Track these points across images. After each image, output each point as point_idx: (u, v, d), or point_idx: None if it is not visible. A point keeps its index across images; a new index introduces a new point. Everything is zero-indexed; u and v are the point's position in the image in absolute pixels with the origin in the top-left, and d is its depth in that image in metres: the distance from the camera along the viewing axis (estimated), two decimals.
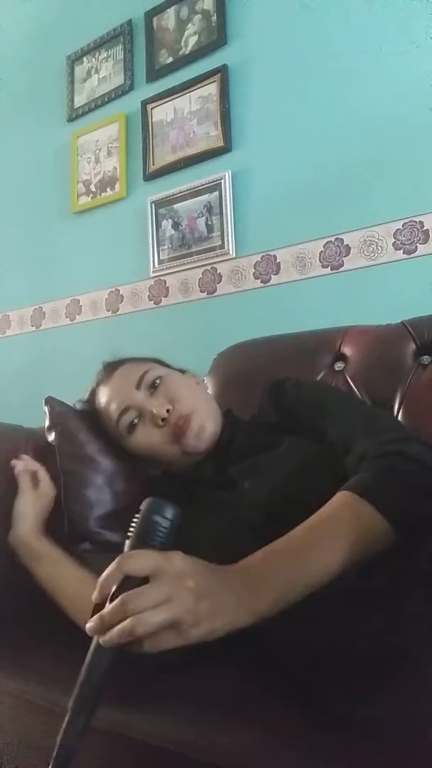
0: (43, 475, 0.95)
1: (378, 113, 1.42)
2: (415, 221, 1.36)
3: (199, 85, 1.72)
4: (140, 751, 0.57)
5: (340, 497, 0.65)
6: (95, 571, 0.61)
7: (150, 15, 1.86)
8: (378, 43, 1.43)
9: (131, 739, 0.57)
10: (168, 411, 0.87)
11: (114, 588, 0.52)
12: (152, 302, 1.78)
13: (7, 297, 2.18)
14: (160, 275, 1.77)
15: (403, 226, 1.37)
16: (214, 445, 0.91)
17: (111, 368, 0.98)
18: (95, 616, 0.52)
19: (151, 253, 1.78)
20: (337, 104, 1.49)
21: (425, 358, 1.04)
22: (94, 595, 0.53)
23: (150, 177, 1.82)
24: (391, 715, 0.53)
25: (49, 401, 1.01)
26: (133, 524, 0.56)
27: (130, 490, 0.94)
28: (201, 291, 1.69)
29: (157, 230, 1.78)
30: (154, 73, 1.84)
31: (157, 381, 0.91)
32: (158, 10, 1.85)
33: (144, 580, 0.52)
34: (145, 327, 1.79)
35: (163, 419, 0.87)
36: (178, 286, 1.73)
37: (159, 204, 1.78)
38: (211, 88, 1.69)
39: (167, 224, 1.76)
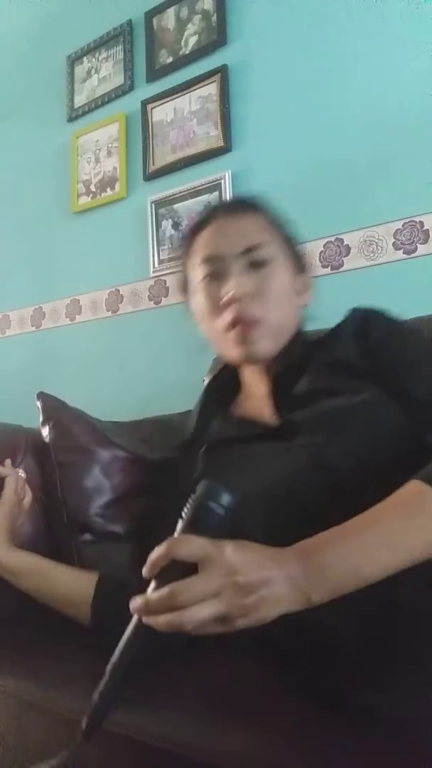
0: (9, 480, 0.85)
1: (378, 113, 1.42)
2: (415, 221, 1.36)
3: (199, 85, 1.72)
4: (140, 751, 0.57)
5: (413, 486, 0.59)
6: (96, 563, 0.60)
7: (150, 15, 1.86)
8: (378, 43, 1.43)
9: (131, 740, 0.57)
10: (245, 297, 0.77)
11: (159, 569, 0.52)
12: (152, 302, 1.78)
13: (7, 297, 2.18)
14: (160, 275, 1.77)
15: (403, 226, 1.37)
16: (274, 370, 0.81)
17: (237, 207, 0.85)
18: (140, 597, 0.52)
19: (151, 253, 1.78)
20: (337, 104, 1.49)
21: None
22: (145, 571, 0.53)
23: (150, 177, 1.82)
24: (393, 714, 0.53)
25: (41, 396, 1.01)
26: (187, 507, 0.54)
27: (128, 479, 0.94)
28: None
29: (157, 230, 1.77)
30: (154, 73, 1.84)
31: (264, 263, 0.80)
32: (158, 10, 1.85)
33: (192, 566, 0.51)
34: (145, 327, 1.79)
35: (231, 302, 0.77)
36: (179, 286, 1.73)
37: (159, 204, 1.78)
38: (211, 88, 1.69)
39: (167, 224, 1.76)
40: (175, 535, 0.53)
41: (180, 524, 0.54)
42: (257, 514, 0.65)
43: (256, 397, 0.84)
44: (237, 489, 0.54)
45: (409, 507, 0.57)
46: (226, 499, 0.53)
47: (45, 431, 0.98)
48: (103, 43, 1.98)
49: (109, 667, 0.52)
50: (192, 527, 0.53)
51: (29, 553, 0.81)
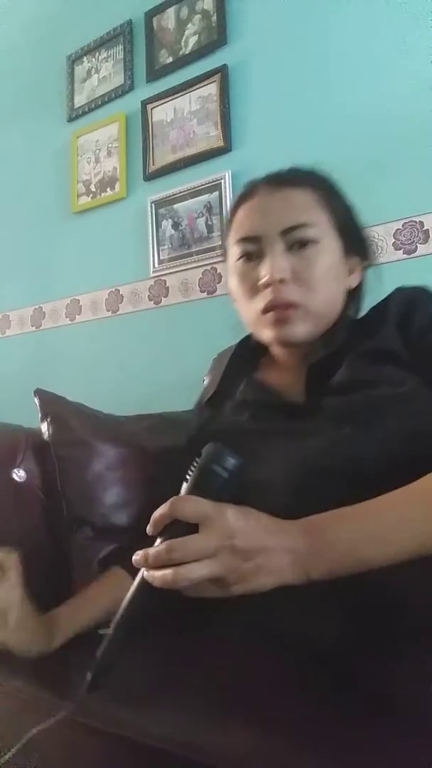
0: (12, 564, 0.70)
1: (378, 113, 1.42)
2: (415, 221, 1.36)
3: (199, 85, 1.72)
4: (140, 751, 0.57)
5: (430, 480, 0.57)
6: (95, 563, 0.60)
7: (150, 15, 1.86)
8: (378, 42, 1.43)
9: (131, 740, 0.57)
10: (282, 281, 0.73)
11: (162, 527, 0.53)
12: (152, 302, 1.78)
13: (7, 297, 2.18)
14: (160, 275, 1.77)
15: (403, 226, 1.37)
16: (312, 356, 0.76)
17: (284, 180, 0.79)
18: (141, 551, 0.53)
19: (151, 253, 1.78)
20: (337, 104, 1.49)
21: None
22: (149, 529, 0.54)
23: (150, 177, 1.82)
24: (395, 710, 0.53)
25: (39, 392, 1.01)
26: (192, 469, 0.55)
27: (130, 472, 0.93)
28: (201, 291, 1.69)
29: (157, 230, 1.77)
30: (154, 73, 1.84)
31: (309, 244, 0.74)
32: (158, 10, 1.85)
33: (195, 527, 0.51)
34: (145, 327, 1.79)
35: (268, 285, 0.73)
36: (178, 286, 1.73)
37: (159, 204, 1.78)
38: (211, 88, 1.69)
39: (167, 224, 1.76)
40: (180, 494, 0.54)
41: (184, 486, 0.54)
42: (274, 501, 0.63)
43: (286, 371, 0.80)
44: (257, 472, 0.55)
45: (422, 499, 0.56)
46: (230, 462, 0.54)
47: (44, 426, 0.97)
48: (103, 43, 1.98)
49: (113, 623, 0.53)
50: (196, 489, 0.53)
51: (60, 609, 0.75)
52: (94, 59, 2.02)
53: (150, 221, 1.78)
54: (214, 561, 0.50)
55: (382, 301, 0.78)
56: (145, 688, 0.65)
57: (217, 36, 1.70)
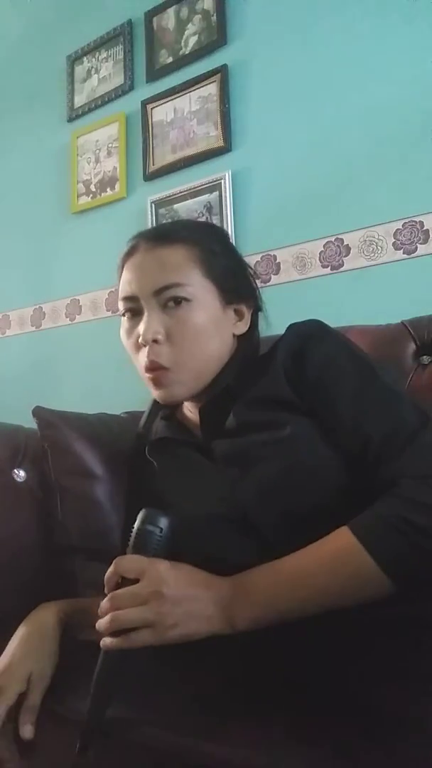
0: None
1: (378, 113, 1.42)
2: (415, 221, 1.36)
3: (199, 85, 1.72)
4: (140, 751, 0.57)
5: (344, 537, 0.60)
6: (99, 582, 0.64)
7: (150, 15, 1.86)
8: (378, 42, 1.43)
9: (131, 740, 0.57)
10: (156, 341, 0.74)
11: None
12: None
13: (7, 297, 2.18)
14: None
15: (403, 226, 1.37)
16: (202, 401, 0.79)
17: (157, 238, 0.78)
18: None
19: None
20: (337, 104, 1.49)
21: (425, 358, 1.04)
22: (105, 589, 0.62)
23: (150, 177, 1.82)
24: (392, 713, 0.53)
25: (37, 412, 0.98)
26: (132, 531, 0.63)
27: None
28: None
29: None
30: (154, 73, 1.84)
31: (183, 303, 0.74)
32: (158, 10, 1.85)
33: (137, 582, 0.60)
34: None
35: (142, 346, 0.75)
36: None
37: (159, 204, 1.78)
38: (211, 88, 1.69)
39: None
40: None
41: (127, 549, 0.63)
42: (197, 537, 0.70)
43: (195, 408, 0.82)
44: (180, 512, 0.64)
45: (336, 559, 0.60)
46: (163, 521, 0.62)
47: (43, 448, 0.96)
48: (103, 43, 1.98)
49: (91, 690, 0.59)
50: (135, 549, 0.62)
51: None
52: (94, 59, 2.02)
53: (150, 221, 1.78)
54: (146, 607, 0.57)
55: (276, 341, 0.78)
56: (145, 689, 0.65)
57: (217, 36, 1.70)
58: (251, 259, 1.58)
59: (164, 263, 0.75)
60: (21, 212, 2.17)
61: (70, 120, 2.06)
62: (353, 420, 0.68)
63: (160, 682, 0.66)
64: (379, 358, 1.08)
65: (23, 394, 1.58)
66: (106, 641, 0.58)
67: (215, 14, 1.71)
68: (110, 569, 0.61)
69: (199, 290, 0.75)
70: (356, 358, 0.73)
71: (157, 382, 0.76)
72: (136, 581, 0.59)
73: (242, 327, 0.81)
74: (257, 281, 0.85)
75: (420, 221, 1.36)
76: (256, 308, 0.84)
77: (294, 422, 0.70)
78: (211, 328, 0.76)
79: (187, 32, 1.78)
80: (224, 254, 0.80)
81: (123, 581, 0.60)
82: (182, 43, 1.79)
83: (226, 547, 0.68)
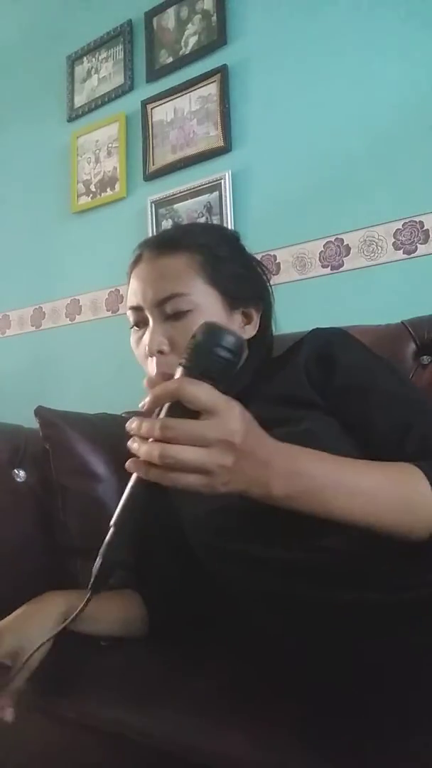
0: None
1: (378, 113, 1.42)
2: (415, 221, 1.36)
3: (199, 85, 1.72)
4: (140, 752, 0.57)
5: (410, 467, 0.59)
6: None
7: (150, 15, 1.86)
8: (378, 43, 1.43)
9: (131, 740, 0.57)
10: (162, 352, 0.73)
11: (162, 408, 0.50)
12: None
13: (7, 297, 2.18)
14: None
15: (403, 226, 1.37)
16: None
17: (160, 247, 0.78)
18: (136, 418, 0.49)
19: None
20: (337, 104, 1.49)
21: (425, 358, 1.04)
22: (143, 404, 0.50)
23: (150, 177, 1.82)
24: (391, 713, 0.53)
25: (39, 412, 0.98)
26: (188, 352, 0.51)
27: None
28: None
29: (158, 230, 1.77)
30: (154, 73, 1.84)
31: (186, 313, 0.73)
32: (158, 10, 1.85)
33: (194, 415, 0.48)
34: None
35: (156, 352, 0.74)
36: None
37: (159, 204, 1.78)
38: (211, 88, 1.69)
39: (167, 224, 1.76)
40: (176, 377, 0.50)
41: (180, 369, 0.51)
42: (200, 537, 0.67)
43: None
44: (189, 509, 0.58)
45: (400, 475, 0.58)
46: (229, 341, 0.50)
47: (45, 447, 0.96)
48: (103, 43, 1.98)
49: (111, 523, 0.52)
50: (200, 372, 0.49)
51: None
52: (94, 59, 2.02)
53: (150, 221, 1.78)
54: (208, 452, 0.47)
55: (296, 343, 0.77)
56: (145, 688, 0.65)
57: (217, 36, 1.70)
58: None
59: (165, 273, 0.75)
60: (21, 212, 2.17)
61: (70, 120, 2.06)
62: (390, 421, 0.67)
63: (161, 682, 0.66)
64: None
65: (23, 394, 1.58)
66: (153, 472, 0.48)
67: (215, 14, 1.71)
68: (168, 386, 0.48)
69: (202, 298, 0.74)
70: (383, 364, 0.75)
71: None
72: (194, 413, 0.48)
73: (251, 330, 0.80)
74: (270, 277, 0.84)
75: (420, 221, 1.36)
76: (267, 309, 0.83)
77: (310, 418, 0.69)
78: None
79: (187, 32, 1.78)
80: (231, 258, 0.80)
81: (175, 406, 0.48)
82: (182, 43, 1.79)
83: (237, 540, 0.66)
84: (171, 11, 1.82)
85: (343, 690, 0.57)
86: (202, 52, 1.73)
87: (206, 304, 0.74)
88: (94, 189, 1.96)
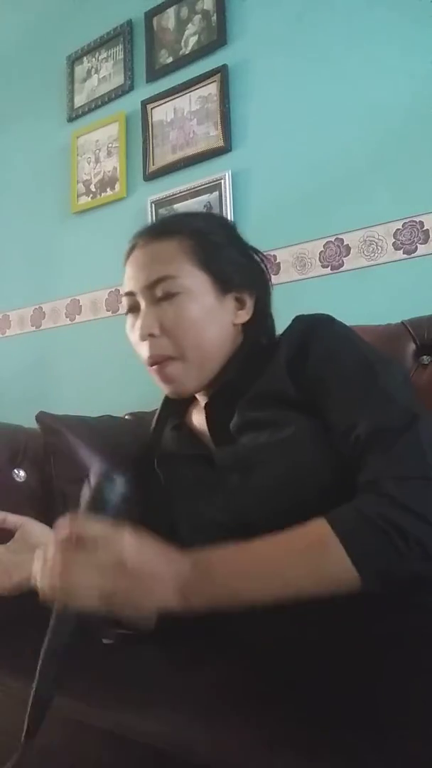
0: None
1: (378, 113, 1.42)
2: (415, 221, 1.36)
3: (199, 85, 1.72)
4: (139, 752, 0.57)
5: (320, 527, 0.58)
6: None
7: (150, 15, 1.86)
8: (378, 42, 1.43)
9: (130, 740, 0.57)
10: (153, 335, 0.75)
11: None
12: None
13: (7, 297, 2.18)
14: None
15: (403, 226, 1.37)
16: (210, 395, 0.79)
17: (151, 233, 0.79)
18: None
19: None
20: (337, 104, 1.49)
21: (425, 358, 1.04)
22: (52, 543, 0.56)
23: (150, 177, 1.82)
24: (389, 714, 0.53)
25: (41, 418, 0.99)
26: (86, 490, 0.58)
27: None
28: None
29: None
30: (154, 73, 1.84)
31: (175, 296, 0.74)
32: (158, 10, 1.85)
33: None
34: None
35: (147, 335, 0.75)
36: None
37: (159, 204, 1.78)
38: (211, 88, 1.69)
39: None
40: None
41: (82, 506, 0.57)
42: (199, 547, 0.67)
43: (201, 414, 0.82)
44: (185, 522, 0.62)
45: (307, 547, 0.58)
46: (120, 484, 0.57)
47: (47, 456, 0.97)
48: (103, 43, 1.98)
49: (41, 654, 0.54)
50: (94, 510, 0.57)
51: None
52: (94, 59, 2.02)
53: (150, 221, 1.78)
54: (104, 578, 0.53)
55: (285, 331, 0.78)
56: (144, 688, 0.65)
57: (217, 36, 1.70)
58: None
59: (156, 257, 0.76)
60: (21, 212, 2.17)
61: (70, 120, 2.06)
62: (343, 418, 0.66)
63: (159, 682, 0.66)
64: None
65: (23, 394, 1.58)
66: (45, 582, 0.54)
67: (215, 14, 1.71)
68: (65, 525, 0.55)
69: (191, 281, 0.75)
70: (357, 353, 0.71)
71: (163, 377, 0.77)
72: (92, 544, 0.54)
73: (244, 316, 0.80)
74: (268, 266, 0.85)
75: (420, 221, 1.36)
76: (264, 294, 0.83)
77: (297, 421, 0.69)
78: (206, 319, 0.76)
79: (187, 32, 1.78)
80: (225, 243, 0.80)
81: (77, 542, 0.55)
82: (182, 43, 1.79)
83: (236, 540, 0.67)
84: (171, 11, 1.82)
85: (343, 690, 0.57)
86: (202, 52, 1.73)
87: (195, 287, 0.75)
88: (94, 189, 1.96)
